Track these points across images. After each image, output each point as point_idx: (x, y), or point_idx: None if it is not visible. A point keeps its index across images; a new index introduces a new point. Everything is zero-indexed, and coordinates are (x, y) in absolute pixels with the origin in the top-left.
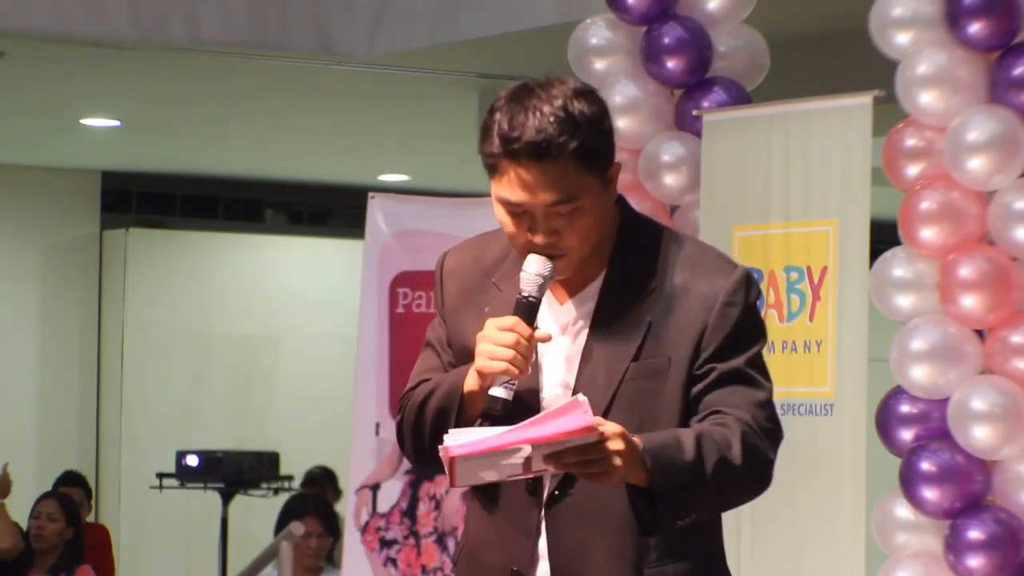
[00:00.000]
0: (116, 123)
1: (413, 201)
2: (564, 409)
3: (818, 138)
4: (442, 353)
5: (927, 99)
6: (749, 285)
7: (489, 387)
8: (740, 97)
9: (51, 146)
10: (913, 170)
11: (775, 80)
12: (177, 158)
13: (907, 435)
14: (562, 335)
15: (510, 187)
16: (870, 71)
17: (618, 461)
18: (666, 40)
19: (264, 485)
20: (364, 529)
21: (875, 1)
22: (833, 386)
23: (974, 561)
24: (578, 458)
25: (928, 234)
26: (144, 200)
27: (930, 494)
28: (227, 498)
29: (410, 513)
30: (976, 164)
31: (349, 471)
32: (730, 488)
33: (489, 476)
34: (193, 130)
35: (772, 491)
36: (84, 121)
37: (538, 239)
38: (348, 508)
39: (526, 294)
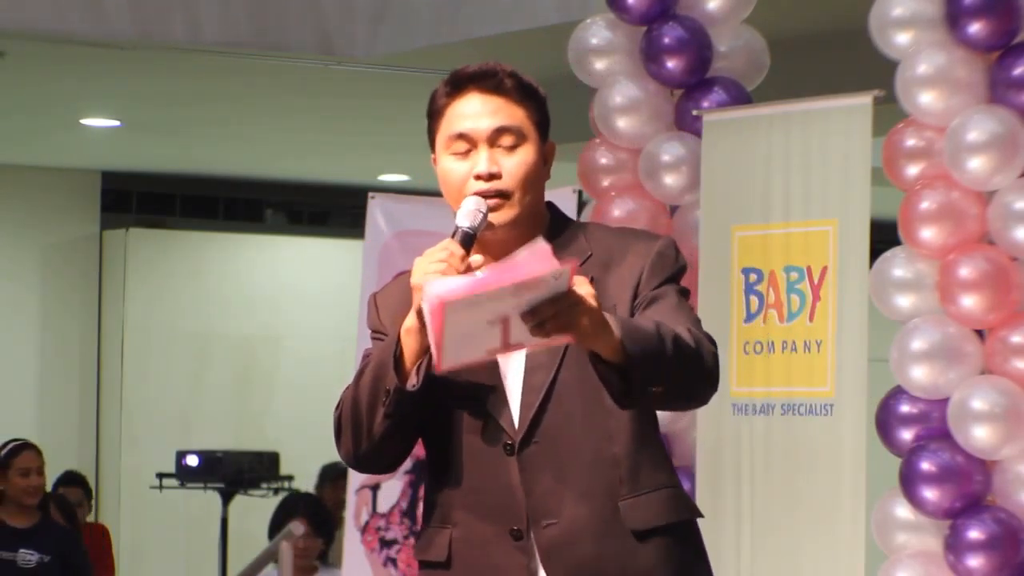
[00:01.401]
0: (116, 123)
1: (413, 201)
2: (531, 258)
3: (818, 138)
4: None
5: (927, 99)
6: (678, 248)
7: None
8: (740, 97)
9: (51, 146)
10: (913, 170)
11: (775, 80)
12: (177, 158)
13: (907, 435)
14: None
15: (456, 120)
16: (870, 71)
17: (592, 303)
18: (666, 40)
19: (264, 485)
20: (364, 529)
21: (875, 1)
22: (833, 386)
23: (974, 561)
24: (553, 309)
25: (928, 234)
26: (144, 200)
27: (930, 494)
28: (227, 498)
29: (410, 513)
30: (976, 164)
31: (349, 471)
32: (688, 366)
33: (471, 354)
34: (193, 130)
35: (772, 491)
36: (84, 121)
37: (481, 167)
38: (348, 508)
39: (466, 225)
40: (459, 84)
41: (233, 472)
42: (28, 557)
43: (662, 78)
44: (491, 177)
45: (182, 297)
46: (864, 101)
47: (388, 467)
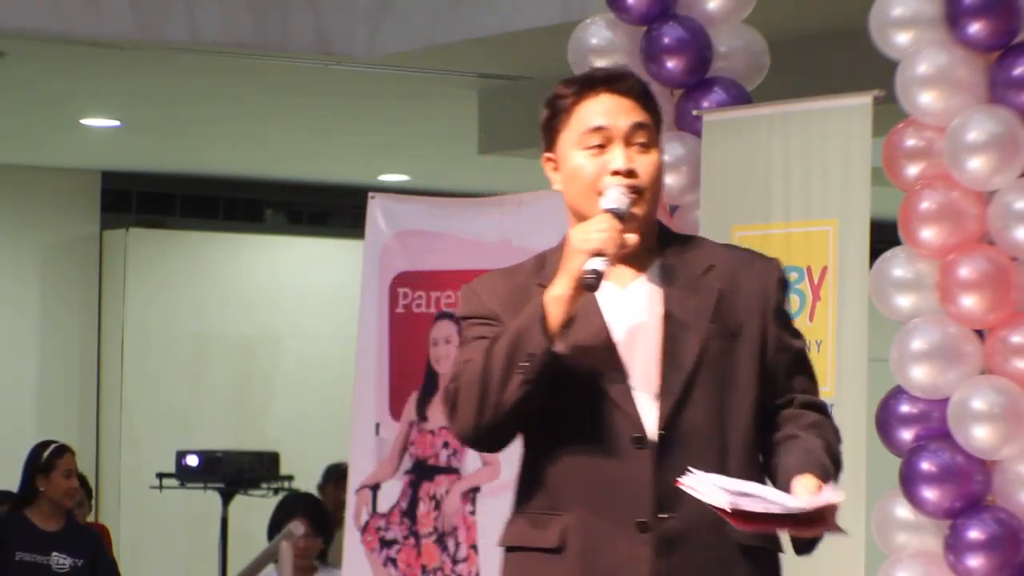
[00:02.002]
0: (116, 123)
1: (413, 201)
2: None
3: (818, 138)
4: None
5: (927, 99)
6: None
7: (583, 264)
8: (740, 97)
9: (51, 146)
10: (913, 170)
11: (775, 80)
12: (177, 158)
13: (907, 435)
14: (633, 311)
15: (591, 116)
16: (870, 71)
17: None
18: (666, 40)
19: (264, 485)
20: (364, 529)
21: (875, 1)
22: (833, 386)
23: (974, 561)
24: (810, 527)
25: (928, 234)
26: (144, 200)
27: (930, 494)
28: (227, 498)
29: (410, 513)
30: (976, 164)
31: (349, 471)
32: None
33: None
34: (193, 130)
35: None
36: (84, 121)
37: (619, 163)
38: (348, 508)
39: (614, 207)
40: (590, 84)
41: (233, 472)
42: (62, 561)
43: (662, 78)
44: (629, 173)
45: (182, 297)
46: (864, 101)
47: (502, 444)
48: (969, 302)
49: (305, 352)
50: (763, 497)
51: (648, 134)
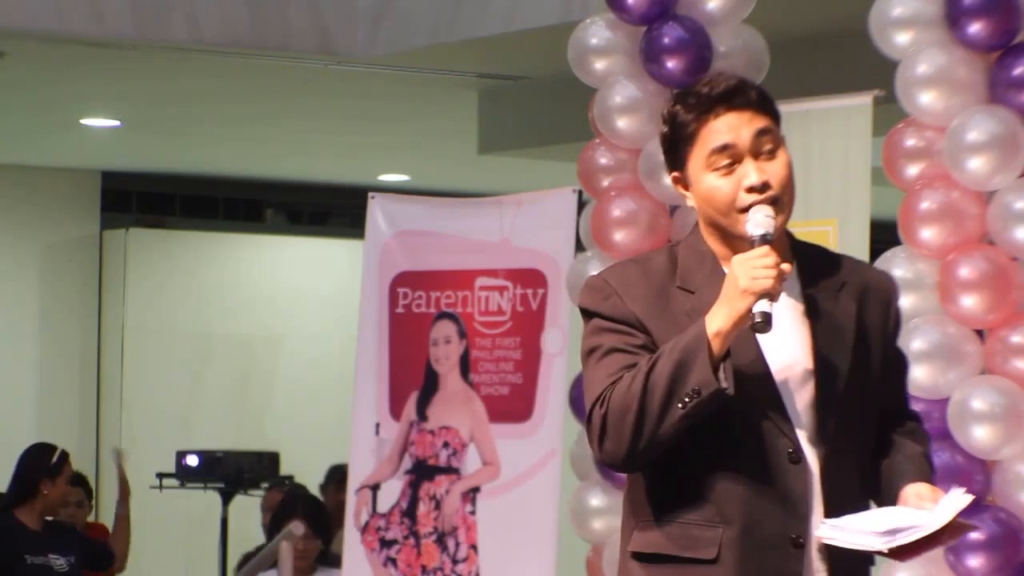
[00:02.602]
0: (116, 123)
1: (413, 201)
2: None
3: (818, 138)
4: (641, 353)
5: (927, 99)
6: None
7: (752, 306)
8: None
9: (51, 146)
10: (913, 170)
11: (775, 80)
12: (177, 158)
13: None
14: (780, 335)
15: (715, 136)
16: (870, 71)
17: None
18: (666, 40)
19: (264, 485)
20: (364, 529)
21: (875, 1)
22: None
23: (974, 561)
24: (947, 540)
25: (928, 234)
26: (144, 200)
27: None
28: (227, 498)
29: (410, 513)
30: (976, 164)
31: (349, 471)
32: None
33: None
34: (193, 130)
35: None
36: (84, 121)
37: (752, 177)
38: (348, 508)
39: (762, 232)
40: (709, 106)
41: (233, 472)
42: (58, 561)
43: (662, 78)
44: (764, 187)
45: (182, 297)
46: (864, 101)
47: (647, 465)
48: (969, 302)
49: (305, 352)
50: (909, 526)
51: (773, 138)
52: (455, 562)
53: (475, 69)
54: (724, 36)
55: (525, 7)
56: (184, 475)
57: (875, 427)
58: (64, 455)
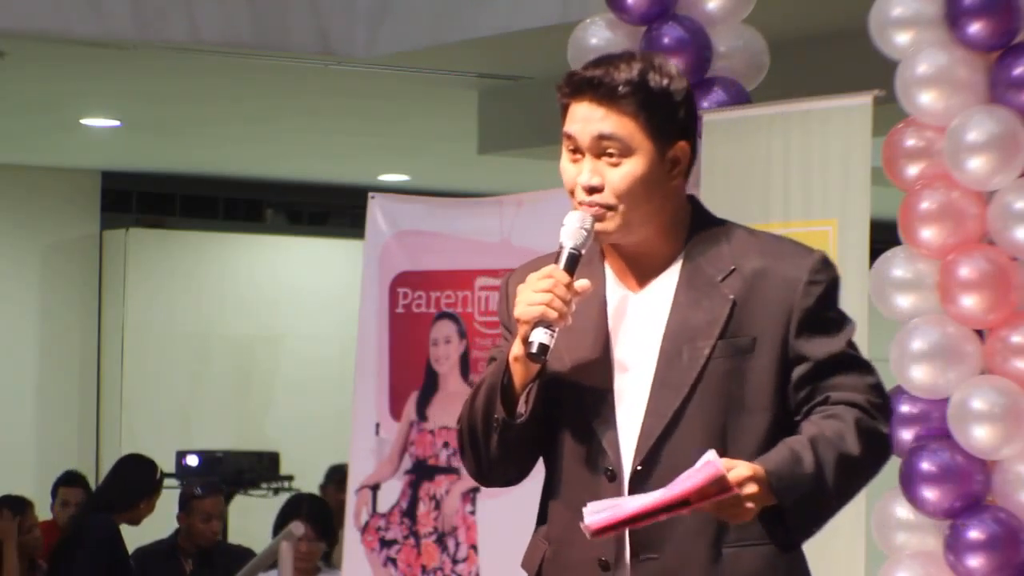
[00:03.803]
0: (116, 123)
1: (413, 201)
2: (697, 473)
3: (818, 138)
4: None
5: (927, 99)
6: (829, 265)
7: (528, 334)
8: (740, 97)
9: (51, 146)
10: (913, 170)
11: (775, 80)
12: (177, 158)
13: (907, 435)
14: (639, 323)
15: (569, 121)
16: (870, 71)
17: (751, 505)
18: (666, 40)
19: (264, 485)
20: (364, 529)
21: (875, 1)
22: None
23: (974, 561)
24: (715, 508)
25: (928, 234)
26: (144, 200)
27: (930, 494)
28: (227, 498)
29: (410, 513)
30: (976, 164)
31: (349, 471)
32: (855, 479)
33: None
34: (193, 130)
35: None
36: (84, 121)
37: (583, 177)
38: (348, 508)
39: (571, 245)
40: (578, 88)
41: (233, 472)
42: None
43: None
44: (592, 191)
45: (182, 297)
46: (864, 101)
47: (515, 480)
48: (969, 302)
49: (305, 352)
50: (629, 504)
51: (619, 145)
52: (455, 562)
53: (475, 69)
54: (724, 36)
55: (525, 7)
56: (184, 475)
57: (769, 437)
58: (163, 475)
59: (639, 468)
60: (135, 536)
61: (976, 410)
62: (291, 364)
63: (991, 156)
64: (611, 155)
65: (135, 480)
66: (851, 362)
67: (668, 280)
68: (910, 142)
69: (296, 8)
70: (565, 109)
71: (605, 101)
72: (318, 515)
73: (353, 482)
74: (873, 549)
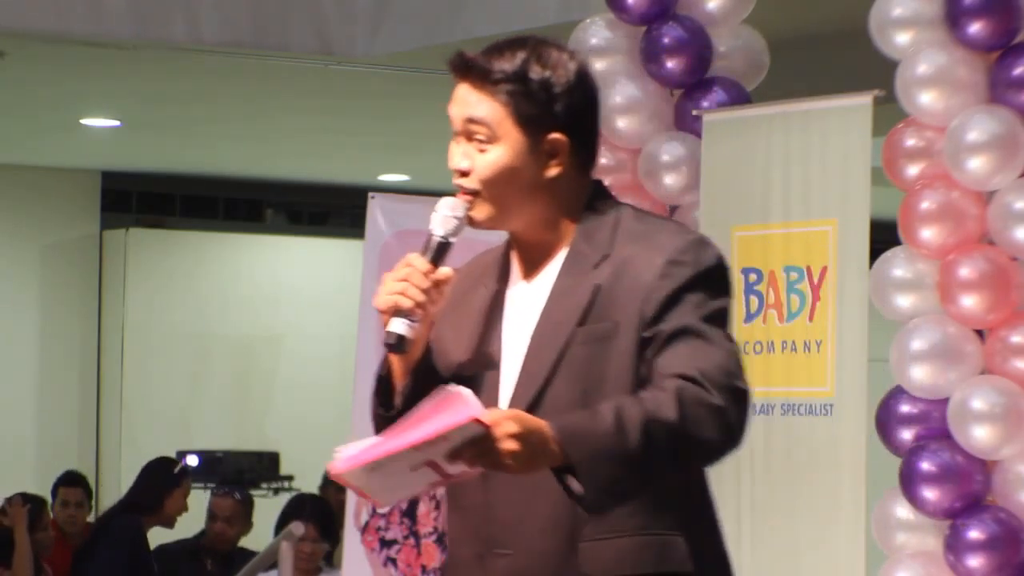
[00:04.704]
0: (116, 123)
1: (413, 201)
2: (443, 404)
3: (818, 138)
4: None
5: (927, 99)
6: (702, 246)
7: (387, 324)
8: (740, 97)
9: (51, 146)
10: (913, 170)
11: (775, 80)
12: (177, 158)
13: (907, 435)
14: (523, 313)
15: (450, 103)
16: (870, 71)
17: (513, 445)
18: (666, 40)
19: (264, 485)
20: (364, 529)
21: (875, 1)
22: (833, 386)
23: (974, 561)
24: (475, 450)
25: (928, 234)
26: (144, 200)
27: (930, 494)
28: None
29: (410, 513)
30: (976, 164)
31: None
32: (668, 443)
33: (412, 491)
34: (193, 130)
35: (772, 491)
36: (84, 121)
37: (453, 159)
38: (348, 508)
39: (440, 234)
40: (457, 68)
41: (233, 472)
42: None
43: (662, 78)
44: (460, 174)
45: (182, 297)
46: (864, 101)
47: None
48: (969, 302)
49: (305, 352)
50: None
51: (487, 131)
52: None
53: None
54: (724, 36)
55: (525, 7)
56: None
57: None
58: (184, 469)
59: None
60: (180, 537)
61: (976, 410)
62: (291, 364)
63: (991, 156)
64: (480, 140)
65: (155, 477)
66: (696, 337)
67: (553, 269)
68: (910, 142)
69: (296, 8)
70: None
71: (479, 85)
72: (320, 515)
73: None
74: (873, 549)
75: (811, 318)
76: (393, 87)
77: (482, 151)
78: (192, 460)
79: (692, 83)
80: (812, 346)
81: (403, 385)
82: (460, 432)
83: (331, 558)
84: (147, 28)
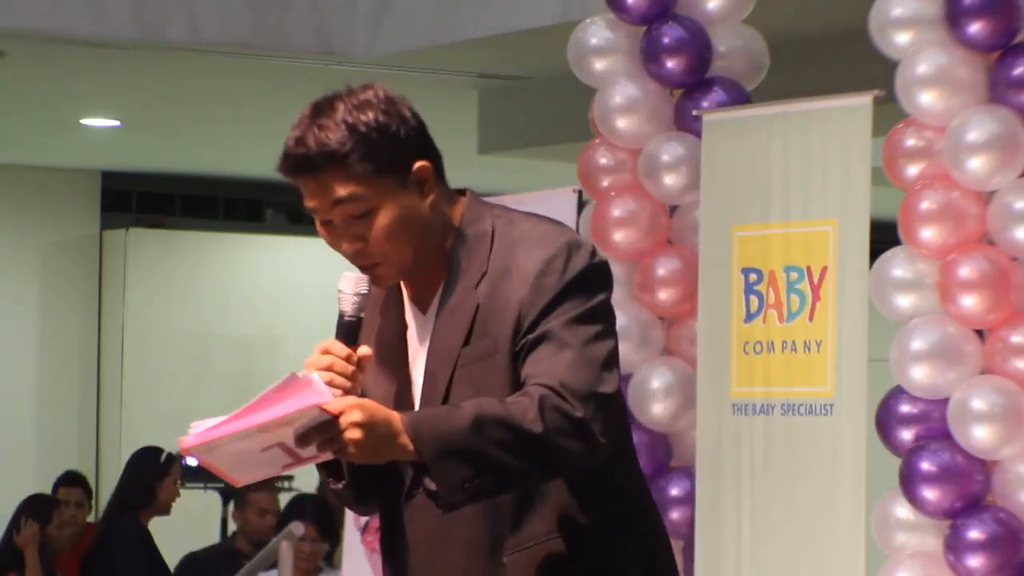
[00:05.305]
0: (116, 123)
1: None
2: (293, 388)
3: (818, 138)
4: None
5: (927, 99)
6: (571, 253)
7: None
8: (740, 97)
9: (51, 146)
10: (913, 170)
11: (775, 80)
12: (177, 158)
13: (907, 435)
14: (424, 343)
15: (305, 199)
16: (870, 71)
17: (356, 434)
18: (666, 40)
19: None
20: (364, 529)
21: (875, 1)
22: (833, 386)
23: (974, 561)
24: (321, 436)
25: (928, 234)
26: (144, 200)
27: (930, 494)
28: (227, 498)
29: None
30: (976, 164)
31: None
32: (530, 452)
33: (266, 471)
34: (193, 130)
35: (772, 491)
36: (84, 121)
37: (344, 246)
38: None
39: (343, 313)
40: (293, 170)
41: None
42: None
43: (662, 78)
44: (356, 255)
45: (182, 297)
46: (864, 101)
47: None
48: (969, 302)
49: (305, 352)
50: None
51: (361, 203)
52: None
53: (475, 69)
54: (724, 36)
55: (525, 7)
56: (184, 475)
57: None
58: (170, 456)
59: (410, 492)
60: (180, 537)
61: (976, 410)
62: (291, 364)
63: (991, 156)
64: (357, 215)
65: (143, 469)
66: (556, 343)
67: (441, 299)
68: (910, 142)
69: (296, 8)
70: (296, 184)
71: (327, 171)
72: (321, 516)
73: None
74: (873, 549)
75: (811, 318)
76: (393, 87)
77: (368, 222)
78: (192, 460)
79: (692, 83)
80: (812, 346)
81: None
82: (305, 416)
83: (331, 558)
84: (147, 28)
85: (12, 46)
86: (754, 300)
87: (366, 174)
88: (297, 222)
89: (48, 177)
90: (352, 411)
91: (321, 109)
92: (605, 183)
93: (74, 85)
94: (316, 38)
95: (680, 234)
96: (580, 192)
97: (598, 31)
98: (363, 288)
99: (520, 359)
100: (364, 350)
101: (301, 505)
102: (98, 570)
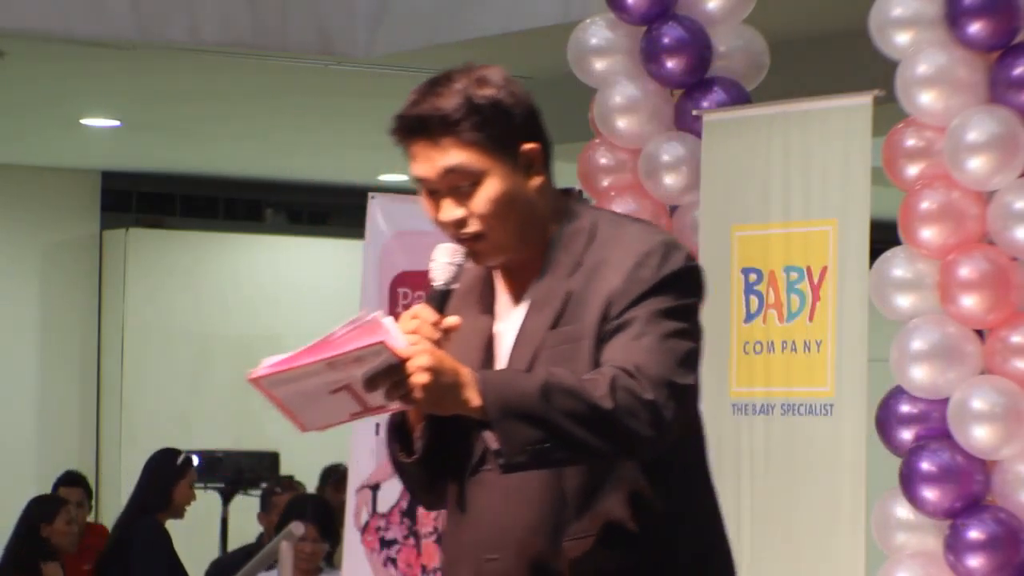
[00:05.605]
0: (116, 123)
1: (413, 201)
2: (364, 328)
3: (818, 138)
4: None
5: (927, 99)
6: (668, 251)
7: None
8: (740, 97)
9: (51, 146)
10: (913, 170)
11: (775, 80)
12: (177, 158)
13: (907, 435)
14: (513, 332)
15: (413, 166)
16: (870, 71)
17: (424, 378)
18: (666, 40)
19: (264, 485)
20: (364, 529)
21: (875, 1)
22: (833, 386)
23: (974, 561)
24: (389, 380)
25: (928, 234)
26: (144, 200)
27: (930, 494)
28: (227, 498)
29: (410, 513)
30: (976, 164)
31: (349, 471)
32: (597, 427)
33: (334, 418)
34: (193, 130)
35: (772, 491)
36: (84, 121)
37: (445, 215)
38: (348, 508)
39: (434, 281)
40: (407, 129)
41: (233, 472)
42: None
43: (662, 78)
44: (457, 225)
45: (182, 297)
46: (864, 101)
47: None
48: (969, 302)
49: None
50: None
51: (470, 174)
52: None
53: None
54: (724, 36)
55: (525, 7)
56: None
57: None
58: (187, 458)
59: (477, 467)
60: (179, 537)
61: (976, 410)
62: None
63: (991, 156)
64: (466, 184)
65: (159, 471)
66: (639, 330)
67: (535, 288)
68: (910, 142)
69: (296, 8)
70: (406, 149)
71: (440, 135)
72: (321, 516)
73: (353, 482)
74: (873, 549)
75: (811, 318)
76: (393, 87)
77: (473, 193)
78: (192, 460)
79: (692, 83)
80: (812, 346)
81: (420, 428)
82: (373, 354)
83: (331, 558)
84: (147, 28)
85: (12, 46)
86: (754, 300)
87: (477, 143)
88: (297, 222)
89: (48, 177)
90: (421, 355)
91: (440, 80)
92: (605, 183)
93: (74, 85)
94: (316, 38)
95: (680, 234)
96: (580, 192)
97: (598, 31)
98: (458, 258)
99: (604, 342)
100: (452, 320)
101: (301, 505)
102: (116, 572)
